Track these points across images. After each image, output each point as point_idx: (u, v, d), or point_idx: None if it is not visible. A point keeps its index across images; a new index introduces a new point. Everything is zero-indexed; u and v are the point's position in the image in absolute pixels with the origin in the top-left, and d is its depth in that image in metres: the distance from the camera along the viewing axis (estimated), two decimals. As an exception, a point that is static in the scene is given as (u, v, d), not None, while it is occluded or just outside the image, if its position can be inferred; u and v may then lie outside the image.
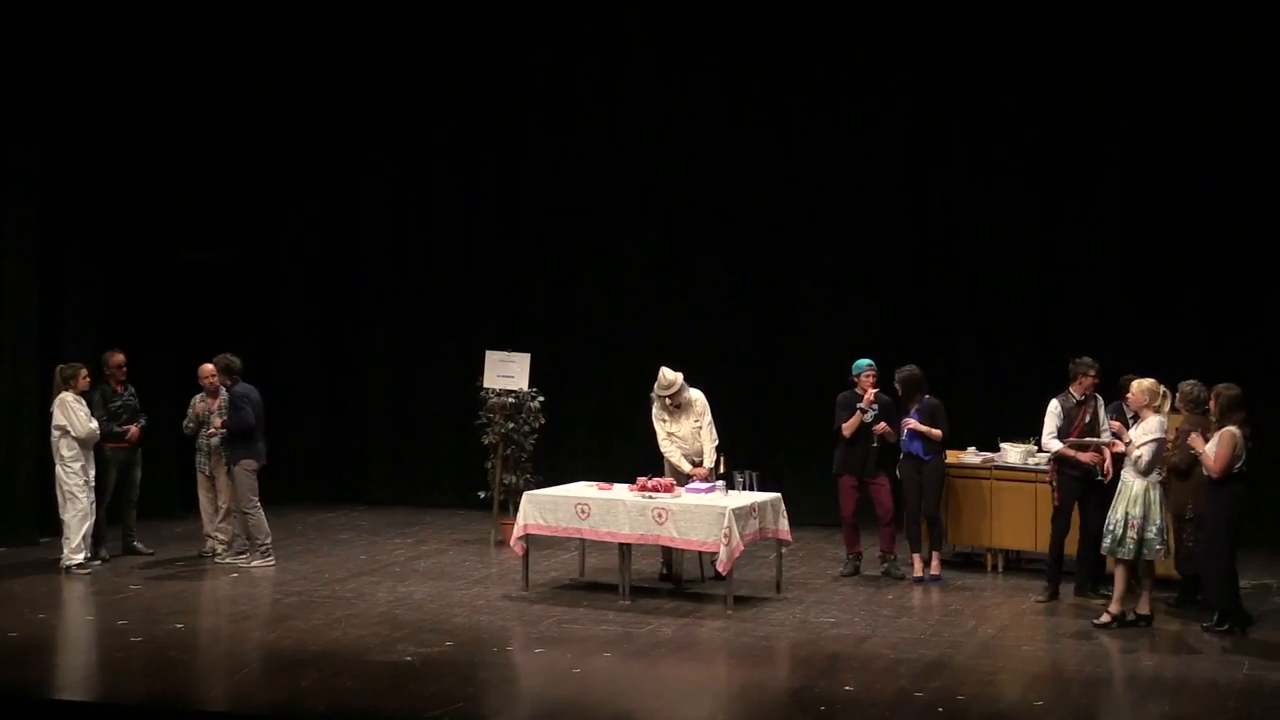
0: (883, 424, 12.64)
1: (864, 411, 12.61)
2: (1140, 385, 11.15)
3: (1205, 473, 10.83)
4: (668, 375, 12.60)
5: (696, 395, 12.71)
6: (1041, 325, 14.74)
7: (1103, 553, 11.37)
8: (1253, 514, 14.14)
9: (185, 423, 13.49)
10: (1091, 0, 14.71)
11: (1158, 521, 10.93)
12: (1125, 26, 14.56)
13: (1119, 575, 11.10)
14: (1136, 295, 14.69)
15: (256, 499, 13.06)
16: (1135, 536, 10.91)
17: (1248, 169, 14.30)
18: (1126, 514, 10.95)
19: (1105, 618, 11.04)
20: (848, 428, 12.64)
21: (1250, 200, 14.34)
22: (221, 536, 13.38)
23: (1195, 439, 10.99)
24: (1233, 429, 10.76)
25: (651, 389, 12.73)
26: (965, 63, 15.09)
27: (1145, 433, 11.03)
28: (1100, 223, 14.86)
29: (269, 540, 13.15)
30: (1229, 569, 11.01)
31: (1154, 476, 11.00)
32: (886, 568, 12.82)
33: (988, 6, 14.97)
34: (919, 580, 12.61)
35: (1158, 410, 11.11)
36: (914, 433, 12.49)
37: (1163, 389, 11.27)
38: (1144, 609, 11.10)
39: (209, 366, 13.28)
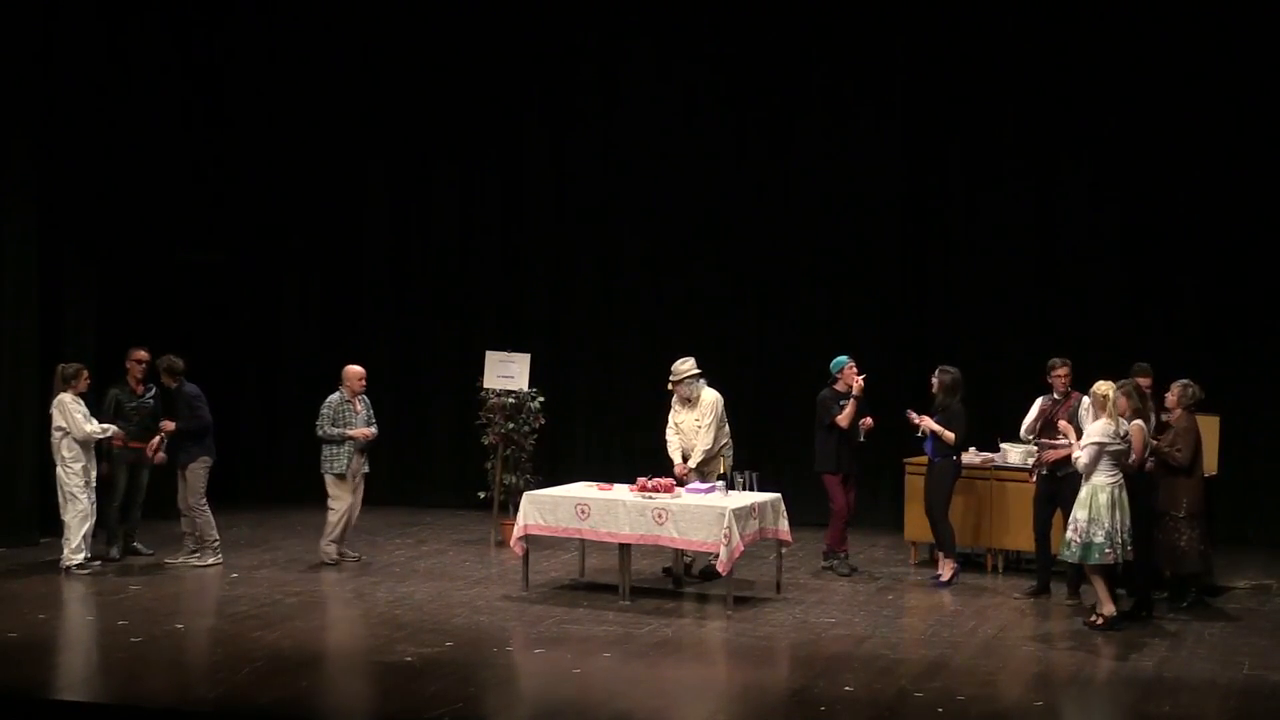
0: (868, 419, 12.67)
1: (857, 400, 12.61)
2: (1094, 388, 11.12)
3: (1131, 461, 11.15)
4: (679, 365, 12.71)
5: (708, 394, 12.73)
6: (1041, 325, 14.73)
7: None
8: (1253, 514, 14.30)
9: (319, 424, 13.26)
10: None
11: (1105, 525, 10.83)
12: (1125, 26, 14.56)
13: (1099, 579, 11.08)
14: (1137, 295, 14.69)
15: (204, 497, 13.11)
16: (1078, 540, 10.90)
17: (1248, 167, 14.31)
18: (1075, 518, 10.99)
19: (1099, 620, 10.99)
20: (844, 418, 12.63)
21: (1251, 199, 14.35)
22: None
23: (1136, 430, 11.15)
24: (1140, 423, 11.16)
25: (658, 387, 12.80)
26: (964, 62, 15.09)
27: (1086, 436, 11.03)
28: (1100, 222, 14.85)
29: (218, 539, 13.17)
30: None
31: (1102, 479, 10.89)
32: (833, 564, 12.87)
33: (987, 6, 14.97)
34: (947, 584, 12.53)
35: (1108, 414, 11.05)
36: (931, 433, 12.49)
37: (1110, 393, 11.24)
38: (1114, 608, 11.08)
39: (358, 369, 13.29)
